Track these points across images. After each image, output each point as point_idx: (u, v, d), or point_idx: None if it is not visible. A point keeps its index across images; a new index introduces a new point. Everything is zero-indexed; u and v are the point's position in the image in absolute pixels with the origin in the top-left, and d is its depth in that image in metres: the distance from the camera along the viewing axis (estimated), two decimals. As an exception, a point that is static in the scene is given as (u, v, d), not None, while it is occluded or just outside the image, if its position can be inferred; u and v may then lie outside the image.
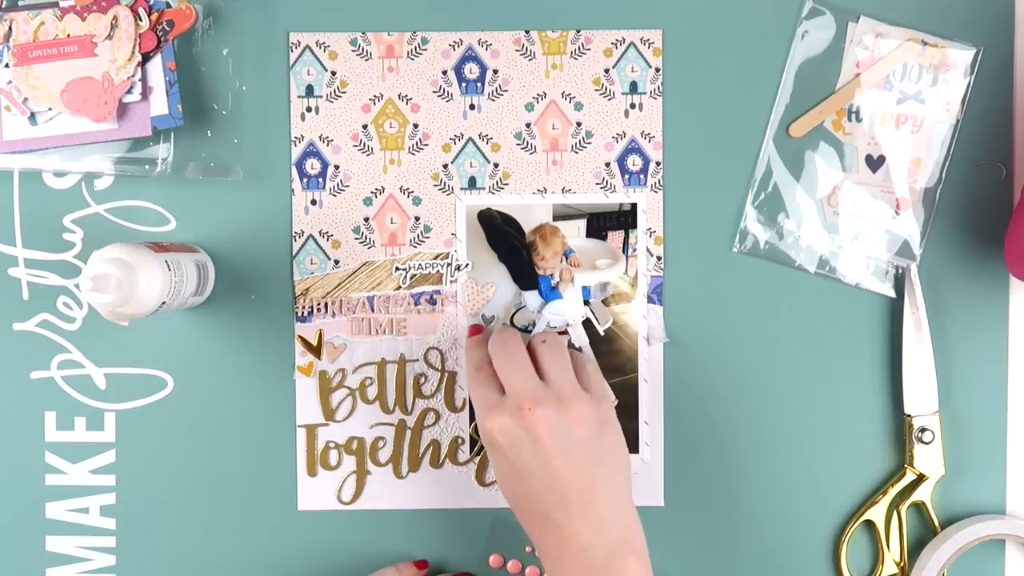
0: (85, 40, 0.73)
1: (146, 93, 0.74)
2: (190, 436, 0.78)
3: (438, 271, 0.78)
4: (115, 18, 0.73)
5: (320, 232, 0.78)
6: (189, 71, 0.76)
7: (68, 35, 0.73)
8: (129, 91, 0.73)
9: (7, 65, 0.74)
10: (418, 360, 0.78)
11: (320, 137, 0.77)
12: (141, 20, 0.73)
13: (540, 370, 0.70)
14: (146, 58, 0.74)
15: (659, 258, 0.78)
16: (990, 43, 0.77)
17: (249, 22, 0.76)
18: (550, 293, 0.78)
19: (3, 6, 0.74)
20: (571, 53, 0.77)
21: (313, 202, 0.78)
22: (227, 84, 0.76)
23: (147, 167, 0.76)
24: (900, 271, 0.78)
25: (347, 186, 0.78)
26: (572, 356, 0.72)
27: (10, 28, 0.73)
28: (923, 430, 0.77)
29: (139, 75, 0.73)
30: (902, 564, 0.78)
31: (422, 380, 0.78)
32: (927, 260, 0.78)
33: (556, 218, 0.78)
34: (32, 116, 0.74)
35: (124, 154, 0.76)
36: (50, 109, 0.74)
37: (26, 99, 0.74)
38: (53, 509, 0.78)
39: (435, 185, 0.78)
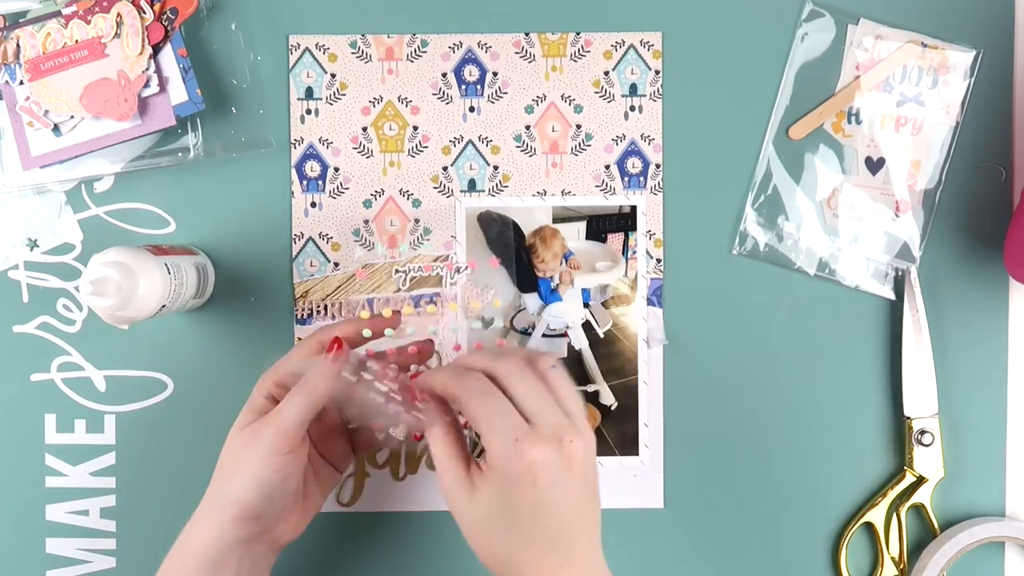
0: (94, 43, 0.73)
1: (163, 84, 0.74)
2: (190, 438, 0.78)
3: (438, 273, 0.78)
4: (119, 15, 0.73)
5: (320, 234, 0.78)
6: (201, 53, 0.76)
7: (76, 41, 0.73)
8: (147, 85, 0.74)
9: (22, 82, 0.74)
10: (418, 362, 0.78)
11: (320, 139, 0.77)
12: (145, 13, 0.73)
13: (554, 398, 0.63)
14: (157, 49, 0.74)
15: (659, 260, 0.78)
16: (990, 45, 0.77)
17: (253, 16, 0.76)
18: (550, 295, 0.78)
19: (5, 25, 0.74)
20: (571, 55, 0.77)
21: (313, 204, 0.78)
22: (241, 57, 0.76)
23: (180, 155, 0.76)
24: (900, 273, 0.78)
25: (347, 188, 0.78)
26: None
27: (17, 45, 0.73)
28: (923, 432, 0.77)
29: (153, 67, 0.74)
30: (902, 566, 0.78)
31: (422, 382, 0.78)
32: (927, 262, 0.78)
33: (556, 220, 0.78)
34: (56, 127, 0.74)
35: (154, 148, 0.76)
36: (72, 117, 0.74)
37: (47, 111, 0.74)
38: (53, 511, 0.78)
39: (435, 187, 0.78)
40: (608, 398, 0.78)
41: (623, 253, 0.78)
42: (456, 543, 0.78)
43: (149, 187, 0.77)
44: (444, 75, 0.77)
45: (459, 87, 0.78)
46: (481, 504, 0.61)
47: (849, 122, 0.77)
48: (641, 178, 0.78)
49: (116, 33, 0.73)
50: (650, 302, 0.78)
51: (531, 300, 0.78)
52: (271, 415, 0.65)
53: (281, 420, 0.65)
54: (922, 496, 0.77)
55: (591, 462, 0.63)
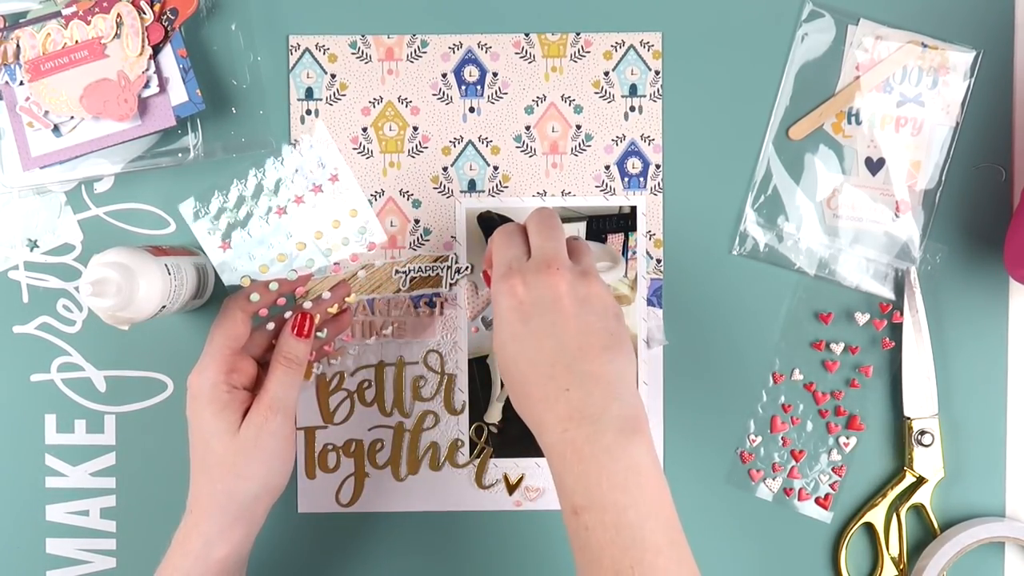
0: (94, 43, 0.73)
1: (163, 84, 0.74)
2: (190, 439, 0.78)
3: (438, 274, 0.78)
4: (119, 16, 0.73)
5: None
6: (201, 54, 0.76)
7: (76, 41, 0.73)
8: (147, 85, 0.73)
9: (22, 83, 0.74)
10: (418, 363, 0.78)
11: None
12: (145, 13, 0.73)
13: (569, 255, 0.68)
14: (157, 50, 0.74)
15: (659, 261, 0.78)
16: (990, 46, 0.77)
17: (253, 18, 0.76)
18: (550, 296, 0.78)
19: (5, 25, 0.74)
20: (571, 56, 0.77)
21: (313, 205, 0.78)
22: (241, 58, 0.76)
23: (180, 155, 0.76)
24: (900, 273, 0.78)
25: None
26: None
27: (17, 46, 0.73)
28: (923, 433, 0.77)
29: (153, 68, 0.74)
30: (901, 566, 0.78)
31: (421, 383, 0.78)
32: (926, 262, 0.78)
33: (556, 221, 0.78)
34: (56, 128, 0.74)
35: (154, 148, 0.76)
36: (72, 118, 0.74)
37: (47, 112, 0.74)
38: (53, 512, 0.78)
39: (435, 188, 0.78)
40: (608, 398, 0.78)
41: (623, 253, 0.78)
42: (456, 543, 0.78)
43: (149, 187, 0.77)
44: (444, 75, 0.77)
45: (459, 87, 0.78)
46: (497, 339, 0.65)
47: (849, 122, 0.77)
48: (641, 178, 0.78)
49: (116, 34, 0.73)
50: (650, 302, 0.78)
51: (531, 300, 0.78)
52: (269, 400, 0.69)
53: (285, 403, 0.69)
54: (922, 496, 0.77)
55: (591, 296, 0.64)
